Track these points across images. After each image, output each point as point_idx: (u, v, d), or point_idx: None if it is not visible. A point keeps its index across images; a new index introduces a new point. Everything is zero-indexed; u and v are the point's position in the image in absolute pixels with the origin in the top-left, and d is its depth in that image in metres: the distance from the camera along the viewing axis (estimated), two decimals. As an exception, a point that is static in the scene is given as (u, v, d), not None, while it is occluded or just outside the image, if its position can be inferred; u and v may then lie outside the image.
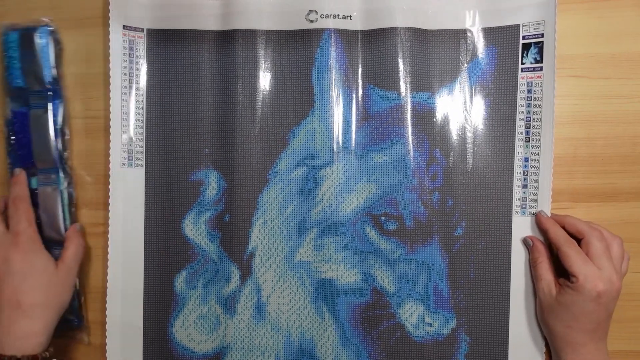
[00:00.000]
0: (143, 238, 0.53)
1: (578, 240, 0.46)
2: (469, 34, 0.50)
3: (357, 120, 0.51)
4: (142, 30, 0.53)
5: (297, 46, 0.52)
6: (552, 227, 0.47)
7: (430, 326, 0.51)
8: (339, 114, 0.51)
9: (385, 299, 0.51)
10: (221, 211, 0.52)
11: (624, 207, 0.51)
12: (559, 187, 0.50)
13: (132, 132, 0.52)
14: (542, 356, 0.50)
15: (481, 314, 0.50)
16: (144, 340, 0.53)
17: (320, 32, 0.51)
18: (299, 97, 0.52)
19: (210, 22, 0.52)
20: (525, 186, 0.50)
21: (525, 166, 0.49)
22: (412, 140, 0.50)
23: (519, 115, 0.50)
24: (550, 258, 0.48)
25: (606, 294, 0.43)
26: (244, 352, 0.52)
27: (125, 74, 0.52)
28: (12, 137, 0.53)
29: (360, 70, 0.51)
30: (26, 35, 0.52)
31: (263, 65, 0.52)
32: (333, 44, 0.51)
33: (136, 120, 0.53)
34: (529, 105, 0.49)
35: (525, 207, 0.50)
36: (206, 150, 0.53)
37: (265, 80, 0.52)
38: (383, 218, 0.51)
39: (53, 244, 0.51)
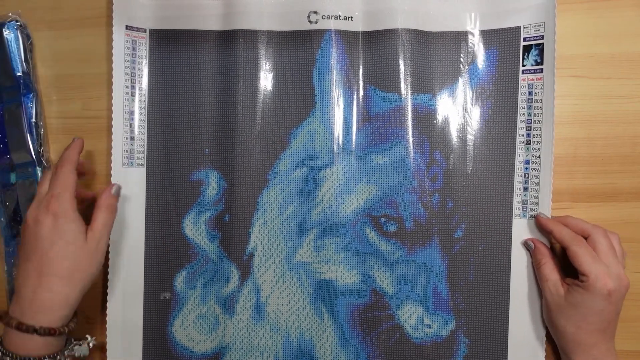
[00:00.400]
0: (143, 237, 0.53)
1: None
2: (469, 36, 0.50)
3: (357, 122, 0.51)
4: (145, 31, 0.53)
5: (298, 47, 0.52)
6: (557, 227, 0.47)
7: (429, 328, 0.51)
8: (340, 115, 0.51)
9: (384, 300, 0.51)
10: (221, 211, 0.52)
11: (624, 207, 0.51)
12: (559, 187, 0.50)
13: (133, 132, 0.53)
14: (542, 359, 0.49)
15: (480, 316, 0.50)
16: (144, 339, 0.53)
17: (321, 33, 0.51)
18: (300, 98, 0.52)
19: (212, 22, 0.52)
20: (526, 189, 0.49)
21: (527, 169, 0.49)
22: (413, 141, 0.50)
23: (519, 118, 0.49)
24: (554, 259, 0.48)
25: (616, 291, 0.43)
26: (242, 352, 0.52)
27: (127, 74, 0.52)
28: None
29: (361, 71, 0.51)
30: None
31: (264, 66, 0.52)
32: (334, 45, 0.51)
33: (138, 120, 0.53)
34: (529, 107, 0.49)
35: (526, 210, 0.49)
36: (207, 150, 0.53)
37: (266, 80, 0.52)
38: (383, 219, 0.51)
39: None
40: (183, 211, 0.53)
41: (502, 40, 0.50)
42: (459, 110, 0.51)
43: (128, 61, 0.52)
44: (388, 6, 0.50)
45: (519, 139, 0.49)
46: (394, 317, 0.51)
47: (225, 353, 0.52)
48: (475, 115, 0.50)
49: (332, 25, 0.51)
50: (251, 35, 0.52)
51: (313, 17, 0.51)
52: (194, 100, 0.53)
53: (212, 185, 0.53)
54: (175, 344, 0.53)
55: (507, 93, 0.50)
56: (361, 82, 0.51)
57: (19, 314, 0.43)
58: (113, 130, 0.52)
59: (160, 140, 0.53)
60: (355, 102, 0.51)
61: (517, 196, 0.50)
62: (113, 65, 0.52)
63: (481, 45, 0.50)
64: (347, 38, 0.51)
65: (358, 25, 0.51)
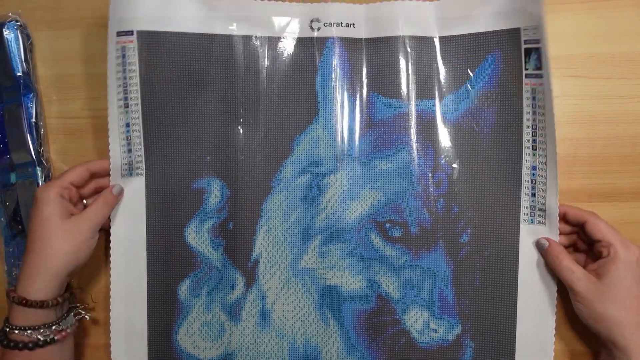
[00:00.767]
0: (145, 247, 0.52)
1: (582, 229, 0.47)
2: (472, 40, 0.50)
3: (361, 128, 0.51)
4: (135, 34, 0.50)
5: (301, 54, 0.51)
6: (569, 208, 0.48)
7: (435, 332, 0.51)
8: (343, 121, 0.51)
9: (390, 306, 0.51)
10: (225, 219, 0.52)
11: (624, 207, 0.51)
12: (559, 187, 0.50)
13: (130, 144, 0.51)
14: None
15: (487, 320, 0.51)
16: (149, 348, 0.53)
17: (323, 40, 0.50)
18: (303, 105, 0.51)
19: (213, 27, 0.51)
20: (533, 194, 0.49)
21: (534, 174, 0.49)
22: (417, 147, 0.50)
23: (525, 123, 0.49)
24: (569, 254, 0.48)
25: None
26: (249, 359, 0.52)
27: (120, 86, 0.50)
28: None
29: (364, 78, 0.51)
30: None
31: (266, 73, 0.51)
32: (337, 51, 0.50)
33: (133, 130, 0.51)
34: (534, 113, 0.48)
35: (534, 216, 0.49)
36: (208, 158, 0.52)
37: (268, 87, 0.51)
38: (388, 225, 0.51)
39: None
40: (185, 220, 0.52)
41: (504, 42, 0.49)
42: (463, 115, 0.50)
43: (120, 72, 0.50)
44: (390, 12, 0.49)
45: (525, 144, 0.49)
46: (400, 322, 0.51)
47: (231, 360, 0.53)
48: (480, 120, 0.50)
49: (334, 32, 0.50)
50: (253, 42, 0.51)
51: (315, 25, 0.51)
52: (192, 109, 0.52)
53: (215, 193, 0.52)
54: (181, 351, 0.53)
55: (512, 97, 0.49)
56: (364, 89, 0.51)
57: (18, 289, 0.46)
58: (109, 140, 0.50)
59: (159, 149, 0.52)
60: (358, 108, 0.51)
61: (525, 202, 0.49)
62: (108, 81, 0.50)
63: (484, 48, 0.49)
64: (350, 45, 0.51)
65: (361, 32, 0.51)
